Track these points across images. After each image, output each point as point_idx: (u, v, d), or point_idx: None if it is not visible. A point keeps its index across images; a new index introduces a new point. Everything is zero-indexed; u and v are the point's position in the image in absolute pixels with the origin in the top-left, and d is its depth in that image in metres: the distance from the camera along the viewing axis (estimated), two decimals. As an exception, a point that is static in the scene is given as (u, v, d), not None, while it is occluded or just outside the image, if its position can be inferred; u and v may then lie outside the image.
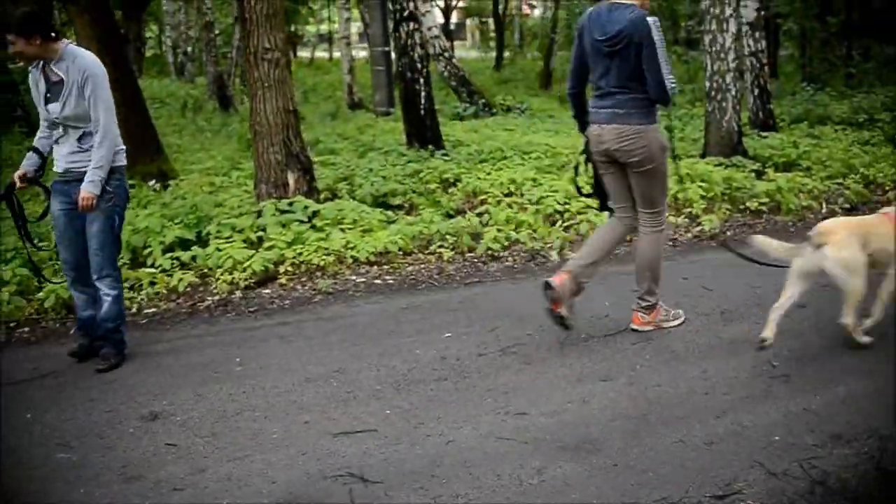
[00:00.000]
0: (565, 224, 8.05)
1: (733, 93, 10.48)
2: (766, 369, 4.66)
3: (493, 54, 28.23)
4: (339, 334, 5.64)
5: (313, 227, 7.69)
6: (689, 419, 4.08)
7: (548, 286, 5.06)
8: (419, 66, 11.14)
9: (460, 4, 37.86)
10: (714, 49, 10.47)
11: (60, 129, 5.09)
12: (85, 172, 4.97)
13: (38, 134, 5.23)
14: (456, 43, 39.00)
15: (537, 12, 32.38)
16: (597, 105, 5.20)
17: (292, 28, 37.17)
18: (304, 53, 40.67)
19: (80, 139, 5.07)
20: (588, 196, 5.95)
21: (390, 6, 11.54)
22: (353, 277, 6.99)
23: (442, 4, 32.84)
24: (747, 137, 11.34)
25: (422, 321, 5.82)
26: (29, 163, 5.18)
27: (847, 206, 8.91)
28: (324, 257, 7.15)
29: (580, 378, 4.65)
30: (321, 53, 41.16)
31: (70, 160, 5.09)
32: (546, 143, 11.31)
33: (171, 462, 3.86)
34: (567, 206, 8.30)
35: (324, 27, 42.57)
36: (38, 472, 3.84)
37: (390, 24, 11.93)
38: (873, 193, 9.48)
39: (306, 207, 7.89)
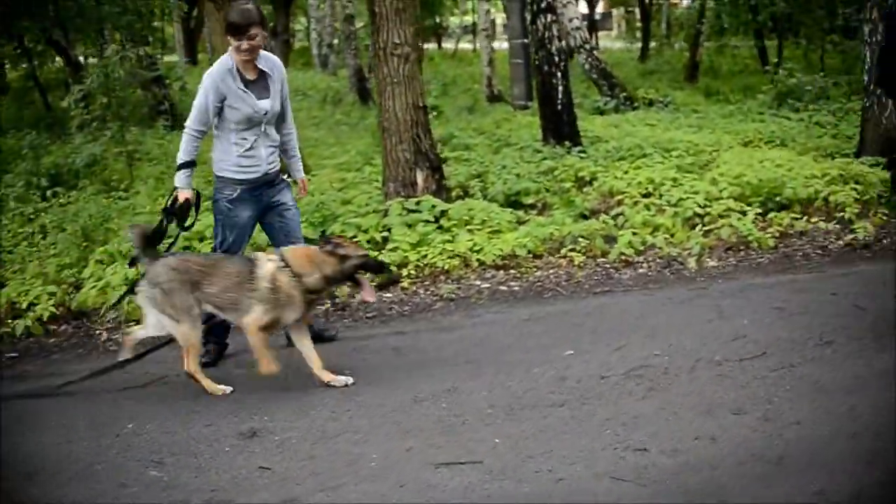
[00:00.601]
0: (705, 228, 7.58)
1: (895, 87, 9.68)
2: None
3: (639, 45, 27.35)
4: (455, 347, 5.40)
5: (440, 227, 7.50)
6: (831, 466, 3.58)
7: None
8: (556, 59, 10.74)
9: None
10: (875, 39, 9.70)
11: (257, 130, 5.11)
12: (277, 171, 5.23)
13: (192, 143, 5.07)
14: (601, 34, 38.25)
15: (686, 1, 31.43)
16: None
17: (437, 19, 37.28)
18: (448, 45, 40.59)
19: (272, 137, 5.22)
20: None
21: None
22: (478, 282, 6.75)
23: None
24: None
25: (544, 335, 5.52)
26: (189, 180, 5.14)
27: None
28: (448, 260, 6.94)
29: (710, 409, 4.20)
30: (466, 45, 41.03)
31: (270, 161, 5.23)
32: (689, 139, 10.74)
33: (262, 487, 3.68)
34: (708, 209, 7.83)
35: (468, 18, 42.39)
36: (127, 490, 3.72)
37: (528, 16, 11.53)
38: None
39: (434, 207, 7.69)
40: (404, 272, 6.79)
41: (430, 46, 32.38)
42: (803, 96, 13.90)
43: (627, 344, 5.17)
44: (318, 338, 5.31)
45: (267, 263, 4.82)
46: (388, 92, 7.85)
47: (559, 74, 10.76)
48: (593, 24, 31.35)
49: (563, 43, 10.98)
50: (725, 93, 16.76)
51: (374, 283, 6.26)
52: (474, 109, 16.04)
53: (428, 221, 7.46)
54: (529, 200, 8.65)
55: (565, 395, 4.49)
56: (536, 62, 11.06)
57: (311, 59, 28.82)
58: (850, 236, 7.42)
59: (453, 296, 6.44)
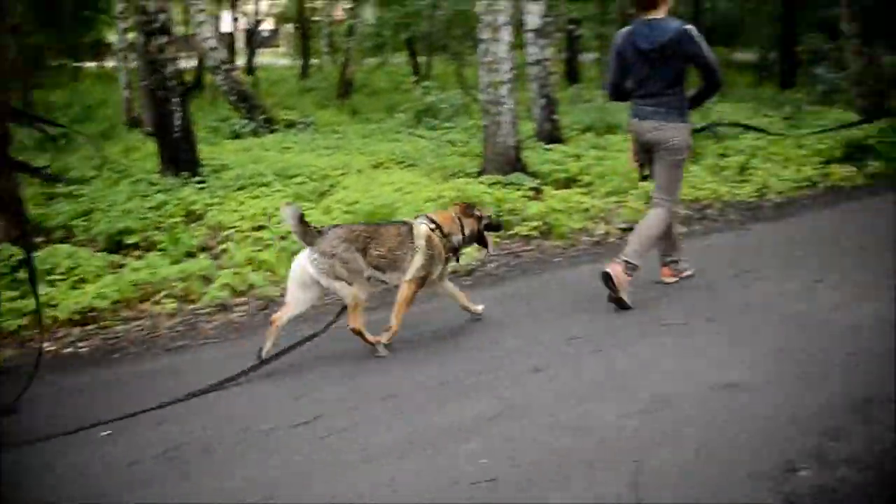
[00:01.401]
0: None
1: (509, 105, 9.81)
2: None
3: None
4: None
5: (15, 281, 6.58)
6: None
7: (606, 276, 5.89)
8: (172, 83, 9.98)
9: (273, 9, 36.50)
10: (487, 59, 9.80)
11: None
12: None
13: None
14: (268, 51, 37.70)
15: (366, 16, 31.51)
16: (642, 103, 6.07)
17: (96, 35, 35.03)
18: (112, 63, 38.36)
19: None
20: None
21: (138, 18, 10.31)
22: (47, 344, 5.83)
23: (250, 9, 31.43)
24: (531, 151, 10.75)
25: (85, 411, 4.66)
26: None
27: (623, 226, 8.32)
28: (15, 321, 6.04)
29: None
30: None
31: None
32: (317, 164, 10.36)
33: None
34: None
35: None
36: None
37: (140, 38, 10.67)
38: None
39: (11, 257, 6.77)
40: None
41: (91, 65, 30.20)
42: (440, 114, 14.03)
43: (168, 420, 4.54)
44: None
45: (421, 226, 5.47)
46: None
47: (175, 100, 10.00)
48: (258, 42, 30.62)
49: (175, 66, 10.12)
50: (369, 112, 16.70)
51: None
52: (110, 136, 14.88)
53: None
54: (134, 240, 7.90)
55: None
56: (151, 87, 10.27)
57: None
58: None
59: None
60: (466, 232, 5.68)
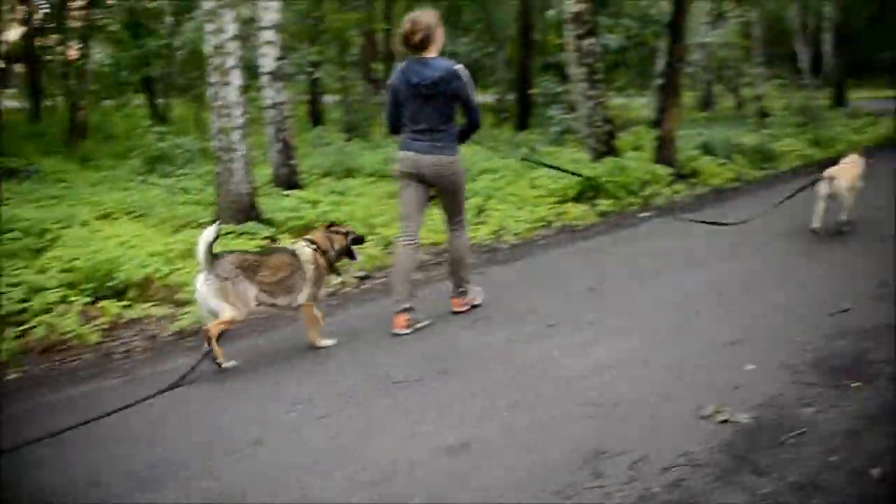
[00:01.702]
0: (22, 328, 6.50)
1: (242, 152, 9.46)
2: None
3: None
4: None
5: None
6: None
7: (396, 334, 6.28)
8: None
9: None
10: (217, 104, 9.43)
11: None
12: None
13: None
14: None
15: (100, 56, 29.97)
16: (417, 138, 6.28)
17: None
18: None
19: None
20: None
21: None
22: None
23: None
24: (267, 198, 10.43)
25: None
26: None
27: (360, 274, 8.15)
28: None
29: None
30: None
31: None
32: (34, 216, 9.40)
33: None
34: (30, 304, 6.76)
35: None
36: None
37: None
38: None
39: None
40: None
41: None
42: (175, 160, 13.45)
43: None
44: None
45: (305, 250, 6.03)
46: None
47: None
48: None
49: None
50: (103, 157, 15.81)
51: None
52: None
53: None
54: None
55: None
56: None
57: None
58: (179, 323, 6.85)
59: None
60: (337, 248, 6.26)
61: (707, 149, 14.87)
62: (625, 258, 8.55)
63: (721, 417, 4.52)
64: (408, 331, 6.34)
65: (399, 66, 6.42)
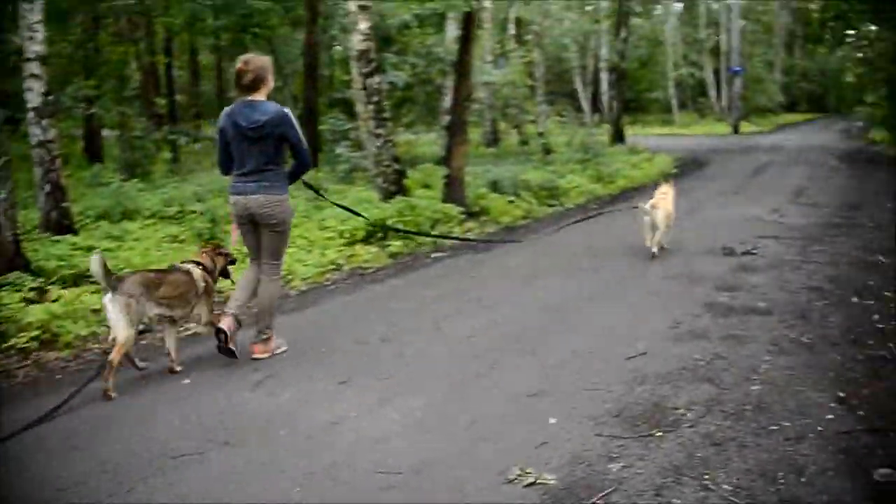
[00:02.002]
0: None
1: (2, 196, 8.60)
2: None
3: None
4: None
5: None
6: None
7: (219, 331, 6.34)
8: None
9: None
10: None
11: None
12: None
13: None
14: None
15: None
16: (245, 180, 6.31)
17: None
18: None
19: None
20: None
21: None
22: None
23: None
24: (36, 244, 9.55)
25: None
26: None
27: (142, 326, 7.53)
28: None
29: None
30: None
31: None
32: None
33: None
34: None
35: None
36: None
37: None
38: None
39: None
40: None
41: None
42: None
43: None
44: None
45: (196, 269, 6.50)
46: None
47: None
48: None
49: None
50: None
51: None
52: None
53: None
54: None
55: None
56: None
57: None
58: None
59: None
60: (218, 268, 6.73)
61: (495, 186, 15.00)
62: (418, 303, 8.31)
63: (527, 480, 4.31)
64: (266, 355, 6.61)
65: (227, 109, 6.45)
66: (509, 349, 6.64)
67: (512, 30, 31.72)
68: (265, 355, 6.58)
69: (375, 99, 12.92)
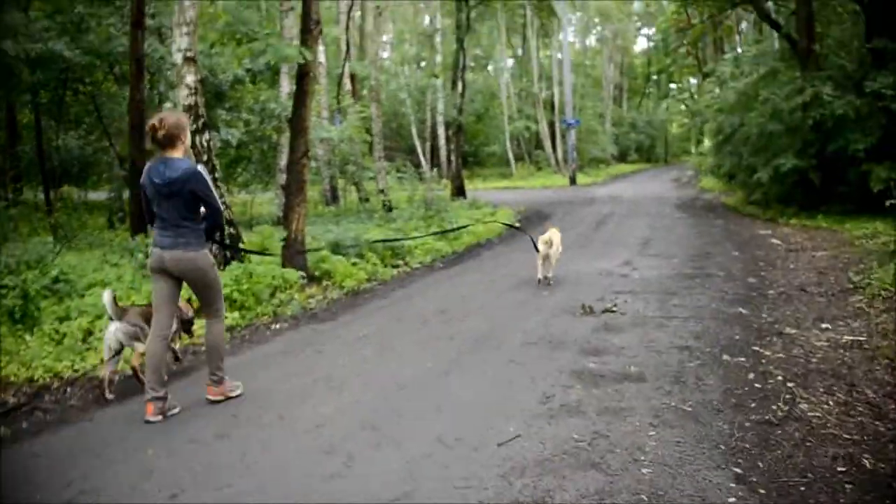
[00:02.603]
0: None
1: None
2: None
3: None
4: None
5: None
6: None
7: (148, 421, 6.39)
8: None
9: None
10: None
11: None
12: None
13: None
14: None
15: None
16: (162, 234, 6.47)
17: None
18: None
19: None
20: None
21: None
22: None
23: None
24: None
25: None
26: None
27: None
28: None
29: None
30: None
31: None
32: None
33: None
34: None
35: None
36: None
37: None
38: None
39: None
40: None
41: None
42: None
43: None
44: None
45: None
46: None
47: None
48: None
49: None
50: None
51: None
52: None
53: None
54: None
55: None
56: None
57: None
58: None
59: None
60: (189, 317, 7.84)
61: (337, 247, 14.17)
62: (258, 386, 7.26)
63: None
64: (159, 418, 6.41)
65: (147, 164, 6.58)
66: (365, 440, 5.77)
67: (348, 85, 31.21)
68: (219, 397, 6.80)
69: (205, 158, 11.99)
